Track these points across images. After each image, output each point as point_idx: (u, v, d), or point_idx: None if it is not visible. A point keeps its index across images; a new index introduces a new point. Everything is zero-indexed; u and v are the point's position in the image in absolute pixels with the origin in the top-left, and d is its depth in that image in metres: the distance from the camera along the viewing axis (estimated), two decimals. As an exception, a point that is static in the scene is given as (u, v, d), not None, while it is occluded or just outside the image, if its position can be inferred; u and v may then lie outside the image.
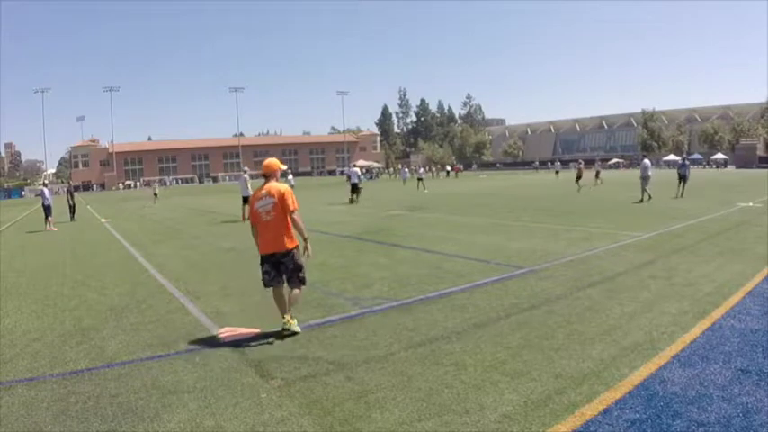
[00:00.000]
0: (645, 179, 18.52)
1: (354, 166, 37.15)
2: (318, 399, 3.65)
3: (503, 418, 3.25)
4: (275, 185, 5.05)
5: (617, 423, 3.15)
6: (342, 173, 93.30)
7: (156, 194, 33.41)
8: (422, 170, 39.75)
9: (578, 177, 27.88)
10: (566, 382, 3.72)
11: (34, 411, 3.64)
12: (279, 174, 5.22)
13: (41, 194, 18.75)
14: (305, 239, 5.06)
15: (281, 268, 5.00)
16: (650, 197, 18.06)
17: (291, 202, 4.98)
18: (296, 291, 5.07)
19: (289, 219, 4.99)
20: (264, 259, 5.03)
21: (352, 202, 23.37)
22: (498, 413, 3.32)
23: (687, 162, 21.94)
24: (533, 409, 3.36)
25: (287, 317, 5.02)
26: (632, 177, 37.48)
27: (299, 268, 5.06)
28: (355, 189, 23.94)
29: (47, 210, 17.85)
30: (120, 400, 3.76)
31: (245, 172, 18.00)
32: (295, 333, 4.99)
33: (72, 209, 21.52)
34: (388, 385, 3.81)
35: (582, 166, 29.28)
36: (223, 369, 4.27)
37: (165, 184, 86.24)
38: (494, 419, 3.25)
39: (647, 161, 19.55)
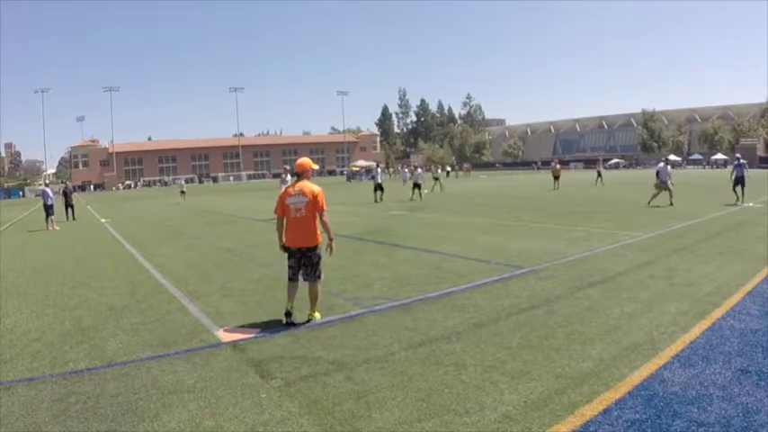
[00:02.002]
0: (664, 183, 17.74)
1: (378, 165, 36.92)
2: (318, 399, 3.65)
3: (503, 418, 3.25)
4: (308, 186, 5.39)
5: (617, 423, 3.15)
6: (342, 173, 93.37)
7: (183, 192, 33.43)
8: (439, 170, 39.11)
9: (556, 176, 29.72)
10: (566, 382, 3.72)
11: (34, 411, 3.64)
12: (311, 173, 5.58)
13: (43, 195, 18.74)
14: (331, 238, 5.44)
15: (303, 261, 5.38)
16: (654, 197, 17.81)
17: (323, 203, 5.38)
18: (315, 287, 5.46)
19: (318, 217, 5.37)
20: (291, 253, 5.42)
21: (380, 199, 23.82)
22: (498, 413, 3.32)
23: (743, 162, 18.31)
24: (533, 409, 3.36)
25: (310, 311, 5.52)
26: (632, 178, 37.55)
27: (319, 262, 5.46)
28: (379, 188, 24.46)
29: (49, 209, 17.88)
30: (120, 400, 3.76)
31: (287, 171, 17.39)
32: (308, 321, 5.47)
33: (69, 209, 21.45)
34: (388, 385, 3.81)
35: (558, 166, 31.65)
36: (223, 369, 4.27)
37: (169, 183, 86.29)
38: (494, 419, 3.25)
39: (662, 164, 18.68)
